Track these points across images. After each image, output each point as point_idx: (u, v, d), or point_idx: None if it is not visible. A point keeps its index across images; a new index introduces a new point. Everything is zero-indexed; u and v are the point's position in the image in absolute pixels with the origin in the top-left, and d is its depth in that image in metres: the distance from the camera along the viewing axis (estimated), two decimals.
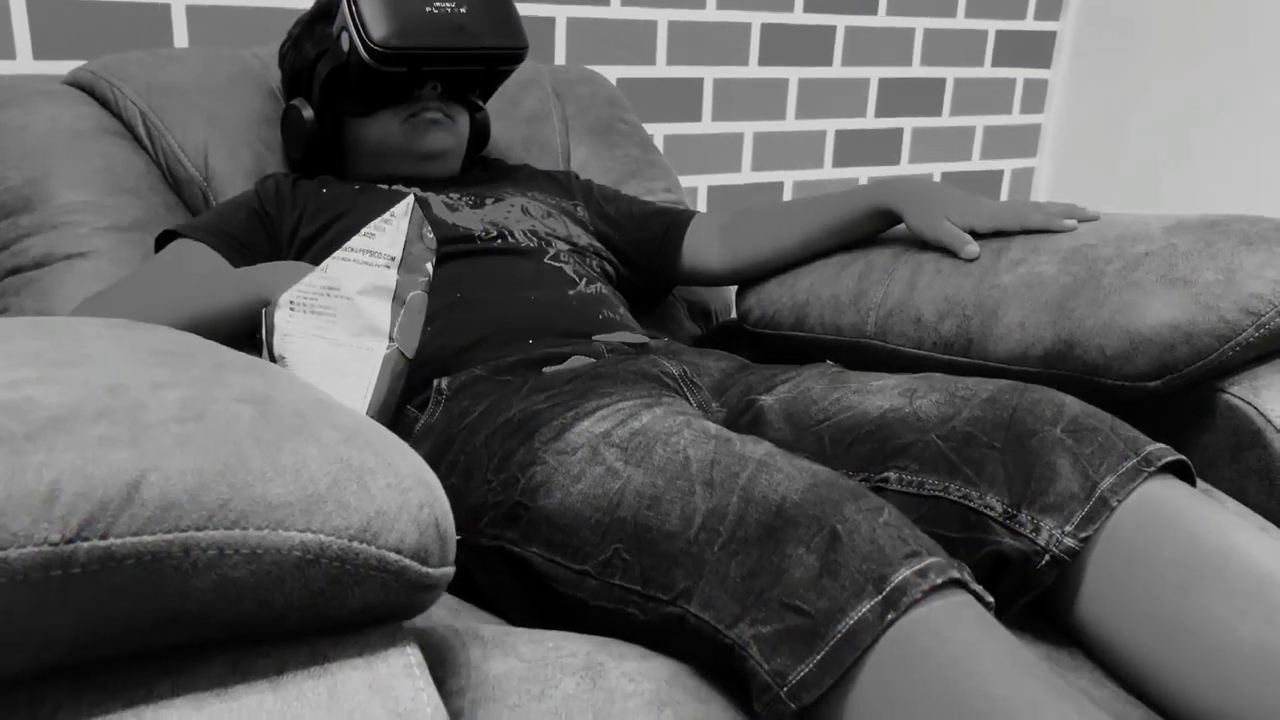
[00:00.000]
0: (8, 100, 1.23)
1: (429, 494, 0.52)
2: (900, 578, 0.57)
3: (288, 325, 0.90)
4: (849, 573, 0.57)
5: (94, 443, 0.44)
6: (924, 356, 1.06)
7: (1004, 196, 2.51)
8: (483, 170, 1.36)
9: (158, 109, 1.29)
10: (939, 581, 0.57)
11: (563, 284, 1.10)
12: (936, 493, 0.75)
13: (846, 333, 1.14)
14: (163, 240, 1.15)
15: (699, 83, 2.03)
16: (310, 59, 1.25)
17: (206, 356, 0.63)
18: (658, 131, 2.01)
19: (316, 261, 1.13)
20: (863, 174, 2.28)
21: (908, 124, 2.31)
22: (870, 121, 2.26)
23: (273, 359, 0.90)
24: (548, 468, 0.73)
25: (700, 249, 1.30)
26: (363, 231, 0.90)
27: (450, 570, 0.53)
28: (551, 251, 1.14)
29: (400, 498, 0.51)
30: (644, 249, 1.31)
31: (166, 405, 0.49)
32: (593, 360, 0.95)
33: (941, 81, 2.32)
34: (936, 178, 2.39)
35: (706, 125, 2.07)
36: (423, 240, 0.92)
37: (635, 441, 0.71)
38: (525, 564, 0.72)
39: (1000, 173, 2.48)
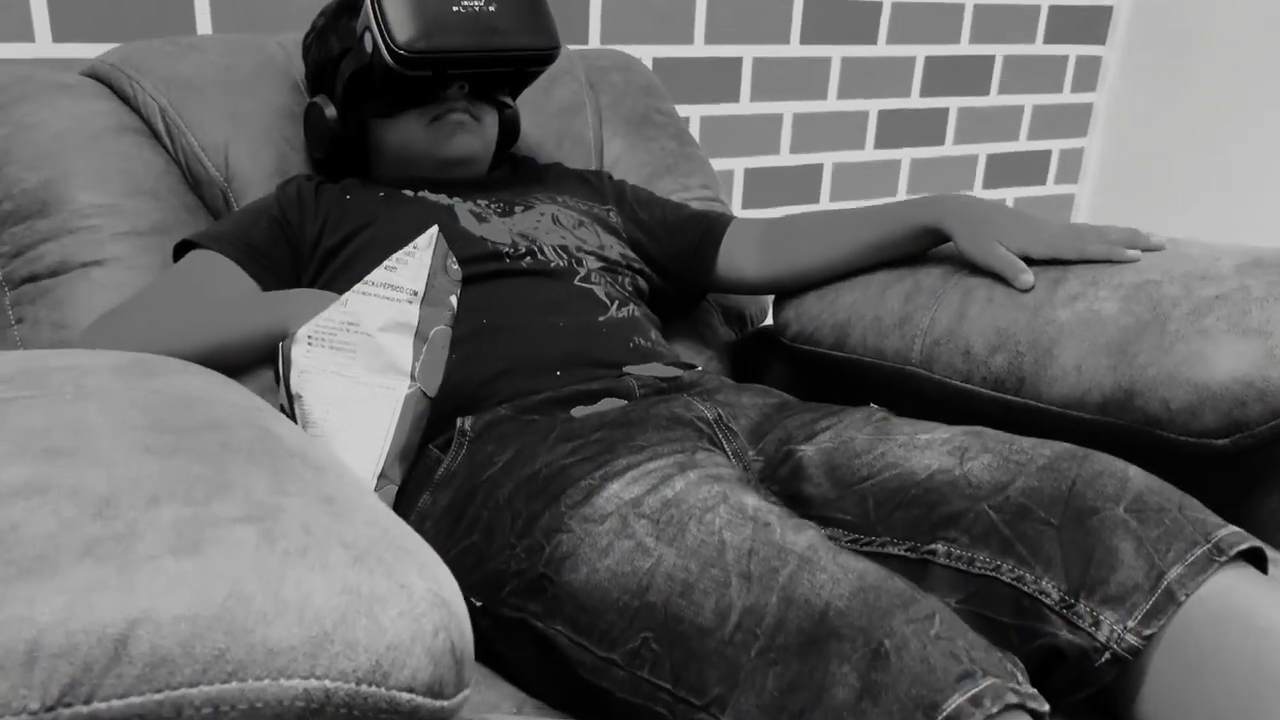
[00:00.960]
0: (23, 95, 1.19)
1: (445, 615, 0.48)
2: (953, 706, 0.52)
3: (305, 361, 0.86)
4: (896, 696, 0.53)
5: (80, 588, 0.41)
6: (972, 392, 1.00)
7: (1051, 177, 2.42)
8: (512, 171, 1.31)
9: (177, 104, 1.24)
10: (994, 711, 0.53)
11: (593, 309, 1.05)
12: (988, 571, 0.71)
13: (890, 358, 1.09)
14: (181, 249, 1.11)
15: (737, 62, 1.95)
16: (334, 55, 1.19)
17: (211, 434, 0.59)
18: (694, 113, 1.94)
19: (337, 278, 1.09)
20: (905, 155, 2.21)
21: (954, 103, 2.22)
22: (915, 101, 2.17)
23: (289, 396, 0.87)
24: (574, 537, 0.69)
25: (736, 258, 1.25)
26: (384, 264, 0.86)
27: (467, 692, 0.49)
28: (582, 272, 1.09)
29: (414, 626, 0.47)
30: (678, 258, 1.26)
31: (161, 532, 0.45)
32: (623, 403, 0.90)
33: (990, 59, 2.22)
34: (981, 160, 2.31)
35: (744, 106, 2.00)
36: (447, 272, 0.88)
37: (667, 515, 0.67)
38: (549, 641, 0.69)
39: (1048, 153, 2.39)
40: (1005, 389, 0.97)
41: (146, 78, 1.25)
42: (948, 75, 2.19)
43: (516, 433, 0.86)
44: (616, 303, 1.08)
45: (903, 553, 0.74)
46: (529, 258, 1.09)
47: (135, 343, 0.93)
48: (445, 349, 0.87)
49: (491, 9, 1.13)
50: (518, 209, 1.18)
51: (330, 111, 1.20)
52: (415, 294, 0.85)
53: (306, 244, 1.11)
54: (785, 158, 2.08)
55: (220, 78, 1.27)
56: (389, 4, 1.09)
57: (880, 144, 2.17)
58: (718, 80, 1.95)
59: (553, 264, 1.09)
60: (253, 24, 1.56)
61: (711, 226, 1.26)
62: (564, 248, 1.12)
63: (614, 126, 1.49)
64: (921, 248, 1.13)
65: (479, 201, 1.18)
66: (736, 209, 2.05)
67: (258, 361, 0.92)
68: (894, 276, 1.13)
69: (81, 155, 1.16)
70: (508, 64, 1.15)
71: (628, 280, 1.15)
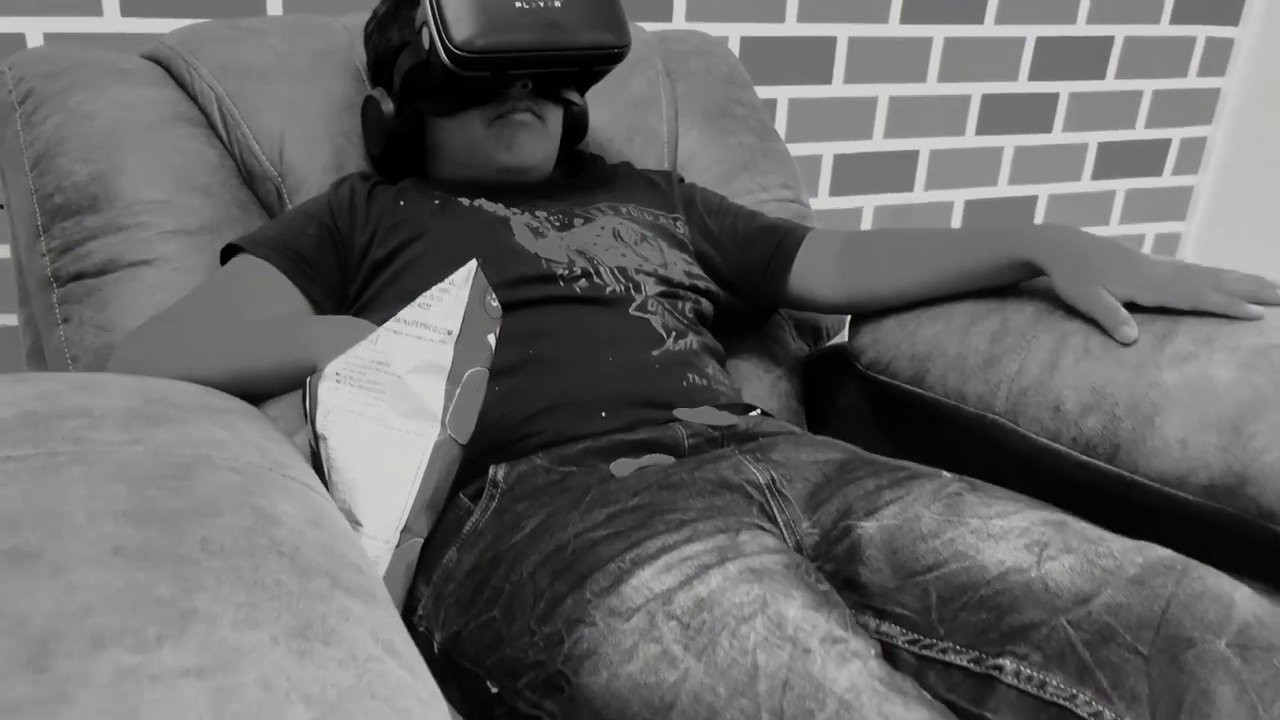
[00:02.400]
0: (78, 81, 1.15)
1: None
2: None
3: (332, 400, 0.81)
4: None
5: None
6: (1060, 452, 0.91)
7: (1169, 168, 2.25)
8: (576, 172, 1.23)
9: (234, 93, 1.19)
10: None
11: (647, 342, 0.98)
12: (1061, 700, 0.62)
13: (971, 403, 0.99)
14: (228, 252, 1.07)
15: (831, 42, 1.84)
16: (393, 47, 1.13)
17: (196, 525, 0.54)
18: (781, 95, 1.84)
19: (384, 291, 1.03)
20: (1009, 142, 2.07)
21: (1065, 88, 2.07)
22: (1022, 85, 2.03)
23: (315, 436, 0.82)
24: (597, 632, 0.63)
25: (811, 276, 1.16)
26: (418, 301, 0.80)
27: None
28: (638, 299, 1.02)
29: None
30: (747, 274, 1.18)
31: (94, 693, 0.40)
32: (668, 461, 0.83)
33: (1108, 40, 2.06)
34: (1092, 147, 2.15)
35: (837, 88, 1.88)
36: (485, 310, 0.81)
37: (699, 619, 0.61)
38: None
39: (1167, 142, 2.22)
40: (1097, 455, 0.88)
41: (204, 63, 1.21)
42: (1060, 57, 2.03)
43: (550, 490, 0.80)
44: (673, 334, 1.00)
45: (966, 663, 0.67)
46: (584, 280, 1.02)
47: (165, 364, 0.89)
48: (481, 392, 0.81)
49: (556, 4, 1.05)
50: (577, 221, 1.11)
51: (388, 107, 1.14)
52: (449, 334, 0.79)
53: (355, 254, 1.06)
54: (879, 143, 1.96)
55: (279, 65, 1.22)
56: (446, 1, 1.02)
57: (982, 130, 2.04)
58: (809, 61, 1.84)
59: (608, 289, 1.01)
60: (327, 1, 1.50)
61: (785, 240, 1.17)
62: (622, 270, 1.04)
63: (690, 120, 1.40)
64: (1013, 280, 1.03)
65: (537, 213, 1.11)
66: (823, 196, 1.95)
67: (287, 390, 0.87)
68: (981, 310, 1.03)
69: (134, 148, 1.12)
70: (572, 63, 1.07)
71: (688, 305, 1.07)
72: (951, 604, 0.69)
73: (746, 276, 1.18)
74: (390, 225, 1.06)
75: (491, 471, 0.84)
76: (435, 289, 0.80)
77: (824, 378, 1.30)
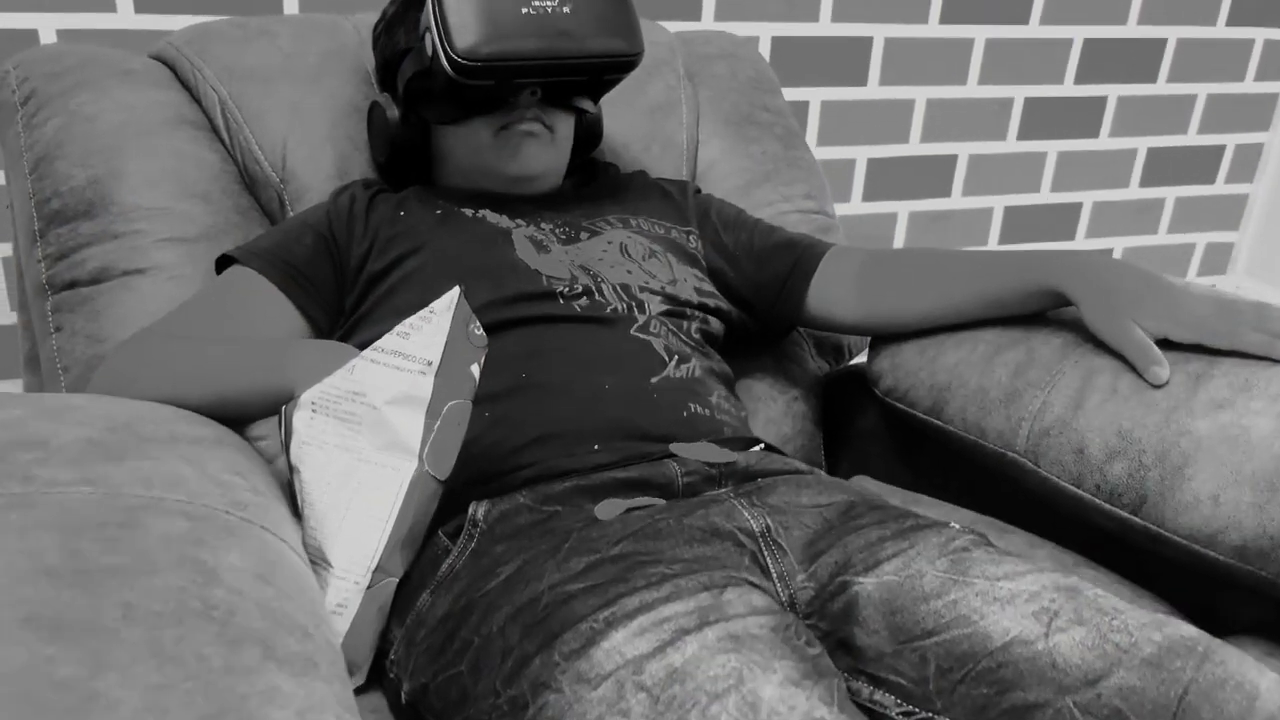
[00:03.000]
0: (81, 82, 1.13)
1: None
2: None
3: (307, 431, 0.77)
4: None
5: None
6: (1082, 499, 0.85)
7: (1222, 175, 2.15)
8: (588, 181, 1.19)
9: (238, 96, 1.16)
10: None
11: (647, 366, 0.93)
12: None
13: (991, 439, 0.94)
14: (223, 262, 1.04)
15: (867, 42, 1.77)
16: (399, 52, 1.09)
17: (122, 587, 0.50)
18: (813, 97, 1.78)
19: (380, 306, 1.00)
20: (1052, 147, 1.99)
21: (1113, 91, 1.99)
22: (1068, 88, 1.95)
23: (290, 466, 0.78)
24: (563, 700, 0.59)
25: (829, 296, 1.11)
26: (397, 329, 0.76)
27: None
28: (640, 319, 0.97)
29: None
30: (762, 291, 1.12)
31: None
32: (658, 504, 0.78)
33: (1160, 42, 1.97)
34: (1141, 154, 2.07)
35: (872, 90, 1.82)
36: (468, 339, 0.77)
37: (669, 693, 0.56)
38: None
39: (1221, 148, 2.13)
40: (1122, 504, 0.82)
41: (209, 65, 1.18)
42: (1109, 60, 1.95)
43: (531, 531, 0.76)
44: (676, 358, 0.95)
45: None
46: (584, 298, 0.97)
47: (145, 385, 0.86)
48: (463, 426, 0.77)
49: (565, 9, 1.00)
50: (583, 235, 1.06)
51: (393, 113, 1.10)
52: (429, 364, 0.75)
53: (352, 265, 1.02)
54: (915, 147, 1.90)
55: (285, 67, 1.18)
56: (449, 3, 0.98)
57: (1025, 134, 1.96)
58: (844, 62, 1.77)
59: (609, 308, 0.97)
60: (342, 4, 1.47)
61: (804, 257, 1.12)
62: (625, 287, 1.00)
63: (712, 126, 1.35)
64: (1041, 309, 0.97)
65: (543, 225, 1.06)
66: (856, 202, 1.89)
67: (267, 415, 0.83)
68: (1004, 340, 0.97)
69: (133, 152, 1.09)
70: (581, 72, 1.03)
71: (695, 326, 1.02)
72: (951, 675, 0.64)
73: (761, 294, 1.13)
74: (389, 237, 1.03)
75: (472, 509, 0.80)
76: (415, 317, 0.76)
77: (843, 402, 1.25)
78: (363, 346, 0.99)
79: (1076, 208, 2.07)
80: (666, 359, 0.95)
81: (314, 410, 0.77)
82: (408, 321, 0.76)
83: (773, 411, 1.19)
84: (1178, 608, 0.86)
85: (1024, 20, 1.85)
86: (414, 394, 0.75)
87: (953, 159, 1.93)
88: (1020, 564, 0.70)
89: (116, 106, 1.12)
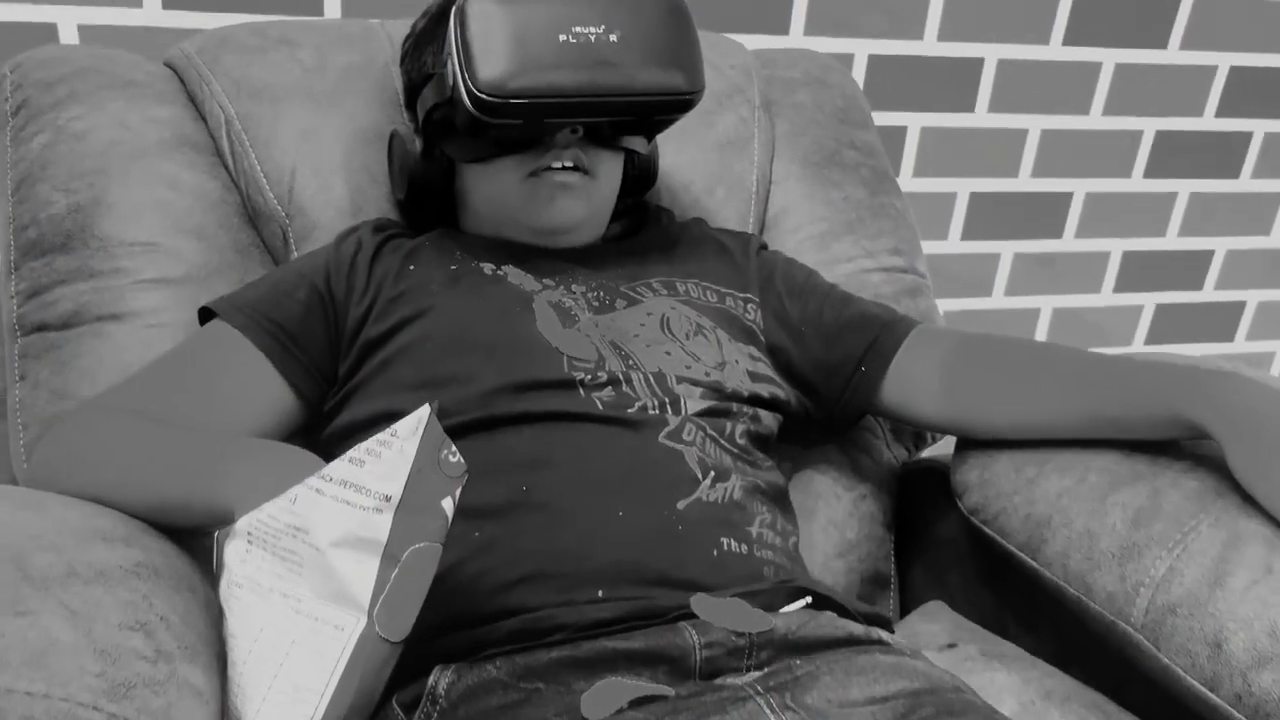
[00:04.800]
0: (75, 93, 1.00)
1: None
2: None
3: (241, 567, 0.63)
4: None
5: None
6: (1216, 707, 0.66)
7: None
8: (635, 230, 1.03)
9: (245, 116, 1.03)
10: None
11: (675, 486, 0.77)
12: None
13: (1099, 600, 0.75)
14: (206, 314, 0.90)
15: (977, 64, 1.57)
16: (425, 75, 0.94)
17: None
18: (913, 123, 1.59)
19: (374, 379, 0.85)
20: (1183, 187, 1.76)
21: (1260, 127, 1.75)
22: (1207, 122, 1.72)
23: (221, 608, 0.64)
24: None
25: (909, 386, 0.93)
26: (349, 454, 0.61)
27: None
28: (673, 423, 0.80)
29: None
30: (830, 375, 0.95)
31: None
32: (665, 694, 0.62)
33: None
34: None
35: (980, 117, 1.61)
36: (440, 468, 0.62)
37: None
38: None
39: None
40: None
41: (219, 78, 1.04)
42: (1258, 90, 1.71)
43: (501, 717, 0.61)
44: (711, 475, 0.79)
45: None
46: (609, 389, 0.81)
47: (83, 476, 0.73)
48: (428, 574, 0.62)
49: (612, 37, 0.84)
50: (620, 303, 0.90)
51: (414, 146, 0.95)
52: (387, 499, 0.60)
53: (348, 328, 0.88)
54: (1025, 182, 1.69)
55: (302, 84, 1.05)
56: (474, 27, 0.82)
57: (1152, 172, 1.73)
58: (949, 85, 1.58)
59: (636, 404, 0.81)
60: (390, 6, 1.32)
61: (882, 338, 0.94)
62: (660, 377, 0.83)
63: (788, 166, 1.17)
64: (1171, 437, 0.78)
65: (573, 288, 0.91)
66: (954, 239, 1.69)
67: (209, 531, 0.69)
68: (1122, 472, 0.79)
69: (122, 177, 0.97)
70: (626, 112, 0.87)
71: (740, 428, 0.85)
72: None
73: (829, 378, 0.96)
74: (391, 297, 0.88)
75: (434, 678, 0.65)
76: (373, 440, 0.61)
77: (921, 496, 1.07)
78: (352, 427, 0.87)
79: (1207, 255, 1.84)
80: (700, 476, 0.78)
81: (250, 541, 0.63)
82: (364, 445, 0.61)
83: (836, 512, 1.02)
84: None
85: (1161, 44, 1.63)
86: (366, 535, 0.60)
87: (1067, 197, 1.72)
88: None
89: (109, 123, 0.99)
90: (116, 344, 0.92)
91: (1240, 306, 1.91)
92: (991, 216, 1.69)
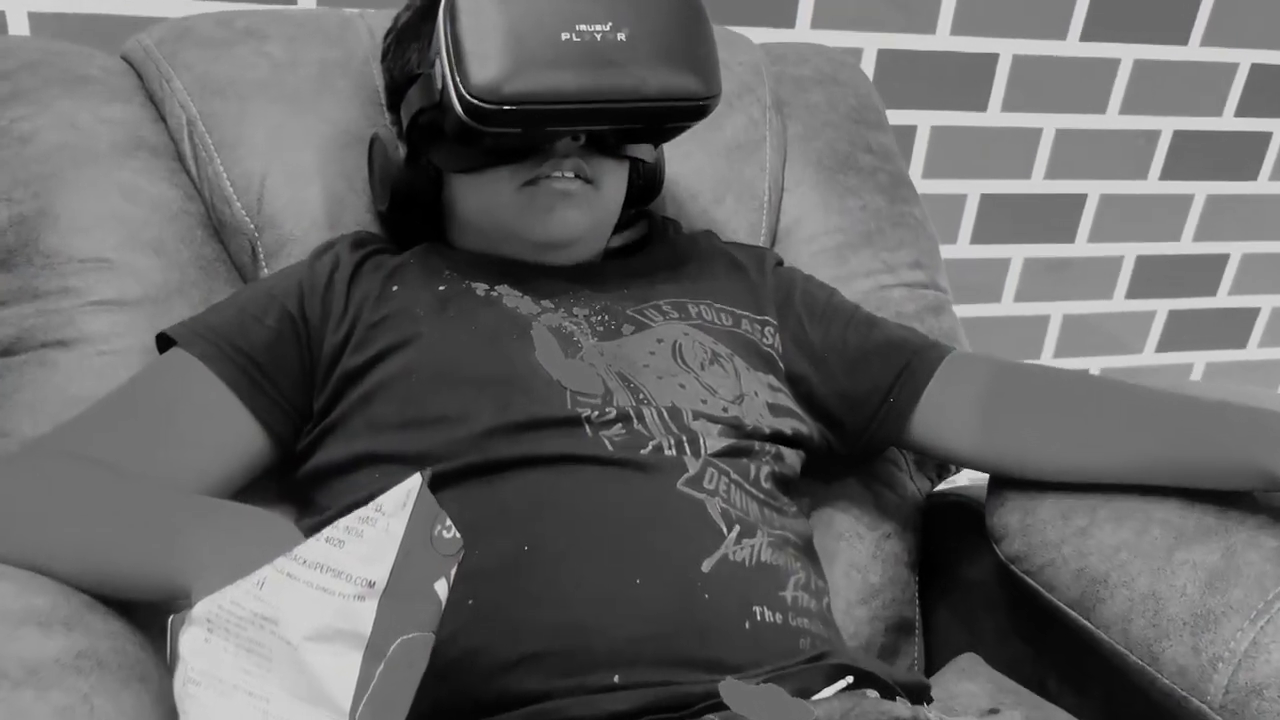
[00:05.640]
0: (20, 90, 0.90)
1: None
2: None
3: (199, 660, 0.53)
4: None
5: None
6: None
7: None
8: (640, 245, 0.94)
9: (209, 116, 0.93)
10: None
11: (698, 543, 0.68)
12: None
13: (1168, 673, 0.68)
14: (165, 341, 0.81)
15: (991, 60, 1.49)
16: (409, 74, 0.85)
17: None
18: (922, 121, 1.50)
19: (354, 415, 0.76)
20: (1200, 189, 1.68)
21: None
22: (1227, 121, 1.64)
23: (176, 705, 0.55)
24: None
25: (942, 420, 0.85)
26: (325, 533, 0.52)
27: None
28: (693, 468, 0.72)
29: None
30: (856, 407, 0.87)
31: None
32: None
33: None
34: None
35: (992, 116, 1.53)
36: (432, 546, 0.53)
37: None
38: None
39: None
40: None
41: (180, 74, 0.95)
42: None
43: None
44: (737, 529, 0.70)
45: None
46: (619, 427, 0.73)
47: (16, 539, 0.63)
48: (418, 668, 0.53)
49: (620, 36, 0.75)
50: (627, 328, 0.82)
51: (398, 152, 0.86)
52: (370, 585, 0.51)
53: (324, 357, 0.79)
54: (1037, 184, 1.61)
55: (272, 80, 0.95)
56: (466, 23, 0.73)
57: (1169, 174, 1.66)
58: (961, 82, 1.49)
59: (650, 444, 0.72)
60: None
61: (913, 366, 0.86)
62: (675, 412, 0.75)
63: (800, 171, 1.08)
64: (1238, 488, 0.71)
65: (575, 310, 0.82)
66: (963, 244, 1.61)
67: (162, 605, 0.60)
68: (1189, 525, 0.71)
69: (71, 185, 0.87)
70: (636, 119, 0.78)
71: (765, 469, 0.77)
72: None
73: (854, 410, 0.87)
74: (372, 322, 0.79)
75: None
76: (354, 516, 0.52)
77: (946, 533, 0.99)
78: (329, 470, 0.78)
79: (1222, 259, 1.77)
80: (724, 529, 0.69)
81: (210, 630, 0.54)
82: (343, 522, 0.52)
83: (858, 554, 0.94)
84: None
85: (1182, 40, 1.55)
86: (346, 627, 0.51)
87: (1081, 199, 1.64)
88: None
89: (58, 124, 0.89)
90: (64, 374, 0.82)
91: (1254, 313, 1.84)
92: (1002, 220, 1.61)
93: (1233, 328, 1.84)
